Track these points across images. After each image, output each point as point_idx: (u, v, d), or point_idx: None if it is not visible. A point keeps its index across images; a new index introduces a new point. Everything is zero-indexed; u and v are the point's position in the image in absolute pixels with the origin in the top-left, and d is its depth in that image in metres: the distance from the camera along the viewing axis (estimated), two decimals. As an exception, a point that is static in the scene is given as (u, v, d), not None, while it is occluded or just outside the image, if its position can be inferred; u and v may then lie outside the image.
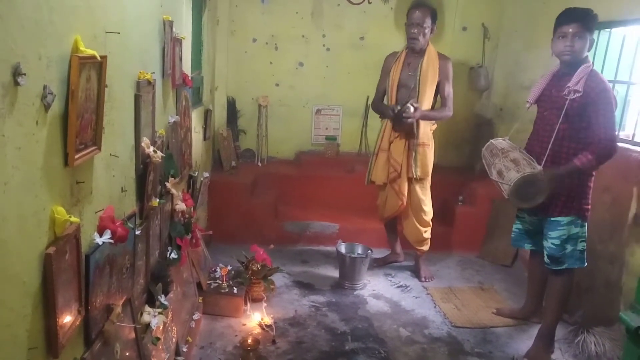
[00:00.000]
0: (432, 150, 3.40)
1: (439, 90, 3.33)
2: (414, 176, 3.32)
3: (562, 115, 2.47)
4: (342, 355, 2.62)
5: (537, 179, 2.45)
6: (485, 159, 2.74)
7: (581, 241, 2.56)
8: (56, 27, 1.20)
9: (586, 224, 2.56)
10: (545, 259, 2.62)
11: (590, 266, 2.62)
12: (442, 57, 3.30)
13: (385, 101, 3.43)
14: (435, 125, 3.44)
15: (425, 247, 3.54)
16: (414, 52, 3.29)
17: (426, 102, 3.26)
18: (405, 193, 3.38)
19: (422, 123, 3.28)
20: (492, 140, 2.76)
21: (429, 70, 3.25)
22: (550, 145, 2.52)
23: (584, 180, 2.52)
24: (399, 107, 3.14)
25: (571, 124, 2.48)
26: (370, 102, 4.62)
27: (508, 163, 2.56)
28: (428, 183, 3.43)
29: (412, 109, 3.11)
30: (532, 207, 2.59)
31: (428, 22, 3.20)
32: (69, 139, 1.27)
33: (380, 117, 3.50)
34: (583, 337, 2.72)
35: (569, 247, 2.55)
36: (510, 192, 2.50)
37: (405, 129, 3.26)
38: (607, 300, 2.84)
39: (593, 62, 2.61)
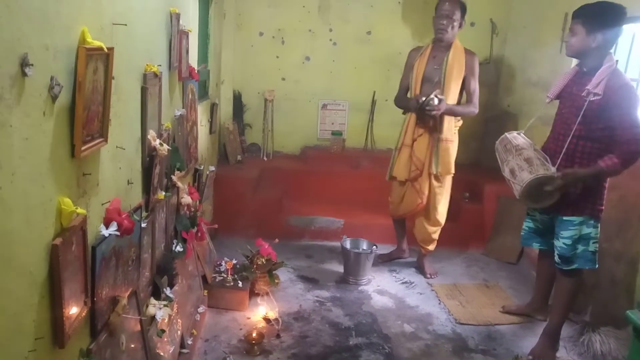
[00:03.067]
0: (456, 147, 3.32)
1: (464, 86, 3.24)
2: (435, 172, 3.26)
3: (579, 116, 2.40)
4: (346, 350, 2.62)
5: (551, 180, 2.40)
6: (498, 154, 2.68)
7: (593, 242, 2.50)
8: (63, 18, 1.20)
9: (599, 225, 2.50)
10: (556, 258, 2.58)
11: (596, 264, 2.60)
12: (468, 53, 3.22)
13: (409, 96, 3.35)
14: (460, 122, 3.35)
15: (432, 247, 3.51)
16: (440, 46, 3.21)
17: (451, 97, 3.18)
18: (426, 192, 3.33)
19: (446, 118, 3.20)
20: (506, 134, 2.67)
21: (455, 65, 3.17)
22: (564, 144, 2.46)
23: (600, 180, 2.45)
24: (423, 99, 3.05)
25: (588, 124, 2.41)
26: (376, 97, 4.64)
27: (521, 162, 2.49)
28: (448, 182, 3.37)
29: (436, 100, 3.01)
30: (544, 206, 2.56)
31: (457, 15, 3.12)
32: (75, 131, 1.27)
33: (403, 112, 3.42)
34: (589, 336, 2.70)
35: (580, 248, 2.51)
36: (522, 192, 2.45)
37: (428, 122, 3.20)
38: (613, 299, 2.82)
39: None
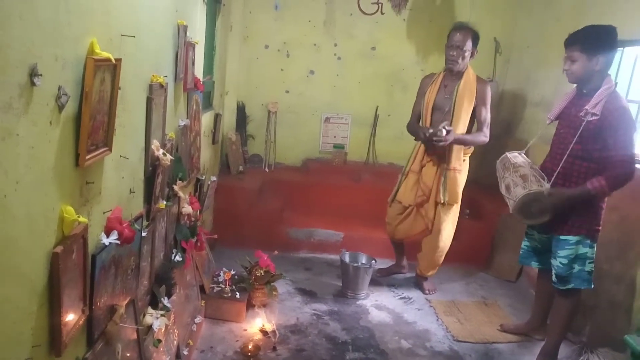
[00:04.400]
0: (464, 176, 3.31)
1: (475, 113, 3.22)
2: (442, 201, 3.24)
3: (576, 136, 2.43)
4: (343, 365, 2.61)
5: (542, 197, 2.44)
6: (498, 172, 2.72)
7: (589, 262, 2.52)
8: (73, 29, 1.22)
9: (595, 245, 2.52)
10: (553, 277, 2.59)
11: (595, 285, 2.59)
12: (480, 81, 3.21)
13: (420, 123, 3.35)
14: (471, 150, 3.33)
15: (432, 273, 3.51)
16: (452, 75, 3.20)
17: (461, 126, 3.17)
18: (432, 217, 3.31)
19: (455, 147, 3.18)
20: (507, 153, 2.70)
21: (465, 94, 3.15)
22: (562, 163, 2.50)
23: (596, 200, 2.47)
24: (430, 130, 3.07)
25: (585, 144, 2.44)
26: (379, 111, 4.67)
27: (517, 179, 2.54)
28: (456, 209, 3.34)
29: (444, 132, 3.01)
30: (541, 225, 2.58)
31: (469, 45, 3.10)
32: (80, 140, 1.28)
33: (414, 138, 3.39)
34: (586, 357, 2.69)
35: (577, 267, 2.52)
36: (515, 208, 2.50)
37: (437, 151, 3.20)
38: (612, 321, 2.81)
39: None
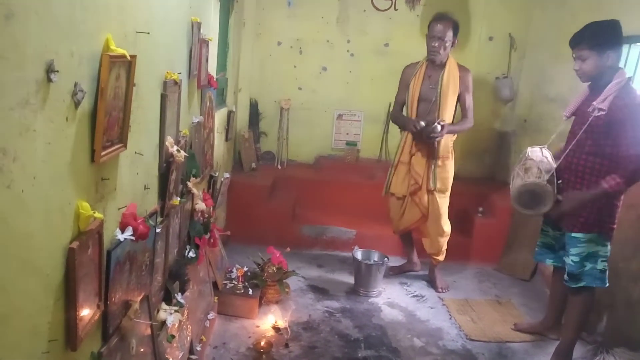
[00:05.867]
0: (453, 163, 3.38)
1: (459, 101, 3.30)
2: (433, 189, 3.31)
3: (584, 132, 2.43)
4: (355, 362, 2.61)
5: (539, 189, 2.46)
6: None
7: (602, 260, 2.49)
8: (89, 25, 1.22)
9: (609, 243, 2.49)
10: (565, 275, 2.57)
11: (611, 284, 2.55)
12: (462, 69, 3.27)
13: (404, 113, 3.41)
14: (455, 137, 3.40)
15: (441, 257, 3.51)
16: (434, 65, 3.25)
17: (447, 115, 3.24)
18: (426, 205, 3.36)
19: (444, 137, 3.24)
20: (528, 147, 2.73)
21: (450, 83, 3.21)
22: (573, 160, 2.49)
23: (611, 198, 2.44)
24: (422, 124, 3.12)
25: (596, 140, 2.42)
26: (391, 108, 4.62)
27: (521, 171, 2.58)
28: (448, 194, 3.40)
29: (439, 128, 3.10)
30: (555, 221, 2.57)
31: (449, 36, 3.15)
32: (96, 136, 1.29)
33: (400, 129, 3.46)
34: (602, 357, 2.65)
35: (589, 265, 2.49)
36: (512, 197, 2.58)
37: (426, 142, 3.24)
38: (629, 320, 2.77)
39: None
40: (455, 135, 3.39)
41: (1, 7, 0.87)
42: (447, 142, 3.30)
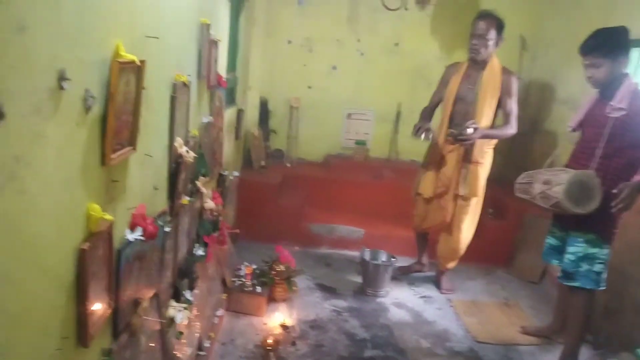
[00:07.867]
0: (487, 169, 3.24)
1: (500, 105, 3.14)
2: (462, 193, 3.20)
3: (605, 134, 2.38)
4: (361, 361, 2.63)
5: (587, 178, 2.36)
6: (521, 188, 2.69)
7: (599, 263, 2.47)
8: (99, 32, 1.25)
9: (608, 247, 2.47)
10: (559, 272, 2.60)
11: (619, 288, 2.55)
12: (505, 72, 3.11)
13: (441, 113, 3.28)
14: (495, 141, 3.23)
15: (451, 265, 3.47)
16: (476, 65, 3.12)
17: (485, 118, 3.10)
18: (450, 210, 3.26)
19: (479, 140, 3.09)
20: (524, 174, 2.72)
21: (490, 85, 3.08)
22: (591, 164, 2.44)
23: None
24: (453, 131, 3.02)
25: (611, 142, 2.39)
26: (402, 108, 4.64)
27: (554, 171, 2.52)
28: (477, 205, 3.28)
29: (469, 130, 2.94)
30: (561, 221, 2.57)
31: (492, 34, 3.01)
32: (106, 140, 1.32)
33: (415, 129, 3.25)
34: (609, 362, 2.65)
35: (585, 267, 2.49)
36: (562, 191, 2.38)
37: (458, 145, 3.11)
38: (636, 324, 2.75)
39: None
40: (495, 140, 3.22)
41: (14, 20, 0.90)
42: (482, 147, 3.15)
